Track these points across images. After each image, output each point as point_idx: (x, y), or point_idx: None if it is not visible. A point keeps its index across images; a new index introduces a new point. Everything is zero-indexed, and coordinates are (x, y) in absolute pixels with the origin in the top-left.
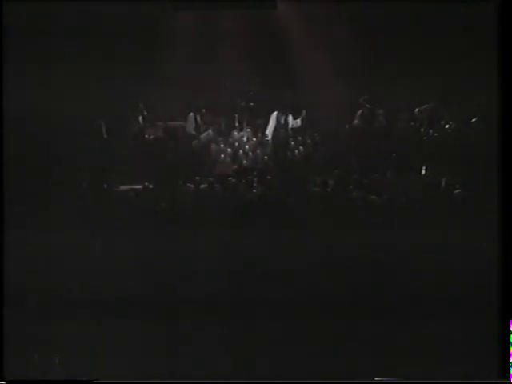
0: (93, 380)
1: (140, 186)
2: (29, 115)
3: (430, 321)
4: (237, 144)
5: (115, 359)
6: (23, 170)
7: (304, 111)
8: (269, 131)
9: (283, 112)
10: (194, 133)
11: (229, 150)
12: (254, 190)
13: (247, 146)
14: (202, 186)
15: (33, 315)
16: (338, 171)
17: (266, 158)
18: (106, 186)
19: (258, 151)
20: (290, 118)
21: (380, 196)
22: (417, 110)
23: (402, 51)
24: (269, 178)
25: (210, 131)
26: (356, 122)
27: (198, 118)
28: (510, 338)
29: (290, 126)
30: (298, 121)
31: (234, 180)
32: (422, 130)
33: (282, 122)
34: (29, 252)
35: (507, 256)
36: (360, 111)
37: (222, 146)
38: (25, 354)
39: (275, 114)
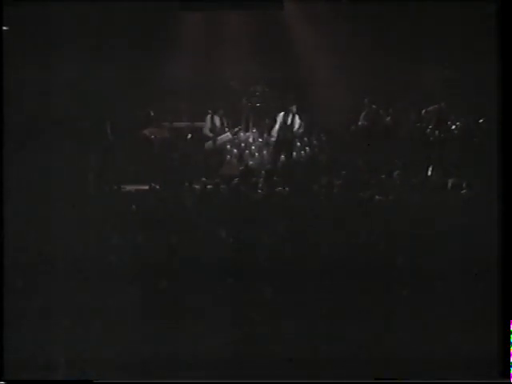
0: (92, 380)
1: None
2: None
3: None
4: (243, 145)
5: None
6: None
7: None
8: (274, 132)
9: (289, 113)
10: (210, 134)
11: (235, 150)
12: (260, 191)
13: (253, 147)
14: (208, 186)
15: None
16: (344, 172)
17: (272, 158)
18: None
19: (265, 152)
20: (297, 118)
21: (386, 196)
22: (423, 110)
23: (405, 51)
24: (275, 178)
25: (228, 133)
26: (362, 122)
27: (216, 119)
28: (510, 338)
29: (296, 127)
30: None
31: (240, 181)
32: (428, 130)
33: (289, 122)
34: None
35: (508, 256)
36: (365, 112)
37: (228, 146)
38: None
39: (281, 114)
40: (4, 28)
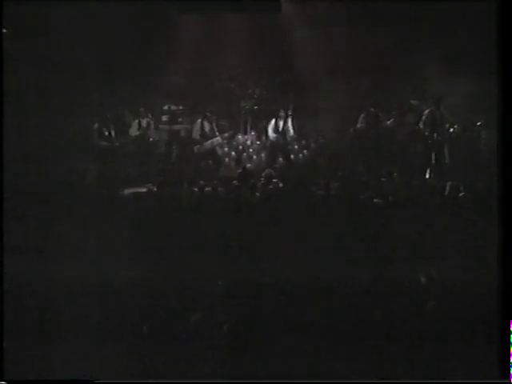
0: (93, 380)
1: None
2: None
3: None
4: (241, 147)
5: None
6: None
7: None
8: (270, 136)
9: (285, 116)
10: (199, 138)
11: (233, 153)
12: (258, 194)
13: (251, 150)
14: (207, 189)
15: None
16: (342, 174)
17: (270, 161)
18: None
19: (263, 154)
20: (295, 120)
21: (385, 199)
22: (421, 113)
23: (404, 52)
24: (274, 181)
25: (218, 138)
26: (360, 125)
27: (205, 124)
28: (510, 337)
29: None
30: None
31: (238, 183)
32: (427, 133)
33: (281, 126)
34: None
35: (507, 256)
36: (363, 114)
37: (226, 149)
38: None
39: (273, 120)
40: None
